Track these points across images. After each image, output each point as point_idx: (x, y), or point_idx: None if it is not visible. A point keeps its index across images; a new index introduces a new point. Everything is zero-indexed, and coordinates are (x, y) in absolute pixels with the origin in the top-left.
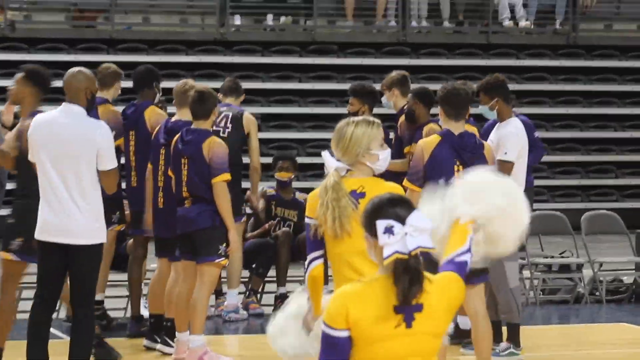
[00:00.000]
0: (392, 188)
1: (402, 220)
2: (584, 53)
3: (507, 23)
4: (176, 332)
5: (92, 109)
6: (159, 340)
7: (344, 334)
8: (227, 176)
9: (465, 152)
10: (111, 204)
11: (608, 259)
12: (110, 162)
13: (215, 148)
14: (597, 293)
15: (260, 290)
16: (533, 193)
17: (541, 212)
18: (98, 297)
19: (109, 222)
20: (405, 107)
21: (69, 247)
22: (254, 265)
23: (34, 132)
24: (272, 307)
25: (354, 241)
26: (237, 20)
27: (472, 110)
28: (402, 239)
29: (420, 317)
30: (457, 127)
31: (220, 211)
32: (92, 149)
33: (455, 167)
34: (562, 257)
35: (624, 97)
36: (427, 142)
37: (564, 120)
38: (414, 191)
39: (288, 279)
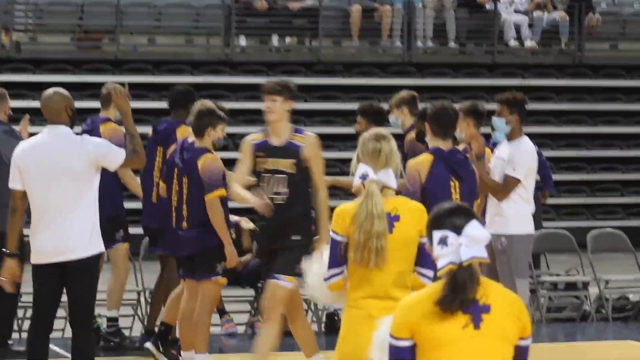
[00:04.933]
0: (421, 209)
1: (459, 230)
2: (590, 73)
3: (513, 43)
4: (181, 352)
5: (74, 126)
6: (161, 350)
7: (407, 343)
8: (221, 192)
9: (459, 168)
10: (112, 222)
11: (614, 276)
12: (119, 155)
13: (207, 164)
14: (604, 311)
15: None
16: (540, 207)
17: (547, 230)
18: (113, 313)
19: (113, 240)
20: (413, 126)
21: (65, 265)
22: (259, 284)
23: (21, 158)
24: None
25: (386, 271)
26: (243, 41)
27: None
28: (456, 249)
29: (488, 319)
30: (445, 145)
31: (215, 226)
32: (89, 162)
33: (452, 184)
34: (568, 275)
35: (629, 116)
36: (421, 162)
37: (569, 139)
38: None
39: None
